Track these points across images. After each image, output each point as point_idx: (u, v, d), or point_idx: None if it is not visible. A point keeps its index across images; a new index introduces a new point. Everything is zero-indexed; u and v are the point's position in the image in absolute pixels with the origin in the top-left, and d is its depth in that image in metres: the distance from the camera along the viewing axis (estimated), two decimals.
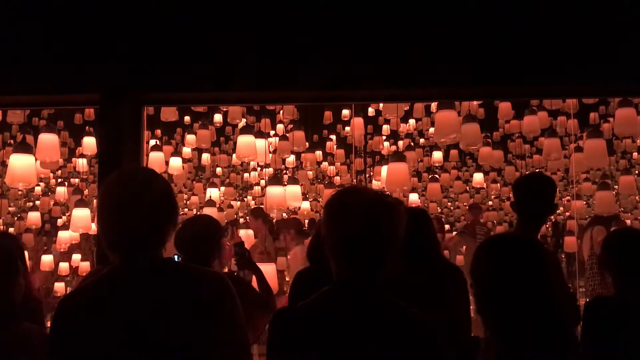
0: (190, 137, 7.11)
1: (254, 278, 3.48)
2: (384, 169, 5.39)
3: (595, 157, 4.32)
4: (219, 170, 9.40)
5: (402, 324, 1.57)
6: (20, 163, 3.44)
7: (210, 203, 5.83)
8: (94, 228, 4.93)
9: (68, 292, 1.93)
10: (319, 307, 1.62)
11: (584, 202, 9.08)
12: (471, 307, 2.85)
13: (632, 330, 2.26)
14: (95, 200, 8.10)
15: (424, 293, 2.28)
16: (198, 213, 7.42)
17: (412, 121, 7.41)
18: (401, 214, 1.66)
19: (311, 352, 1.57)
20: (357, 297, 1.60)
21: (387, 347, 1.54)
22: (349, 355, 1.55)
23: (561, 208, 11.26)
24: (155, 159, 5.13)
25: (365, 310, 1.59)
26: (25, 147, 3.54)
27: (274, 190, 4.28)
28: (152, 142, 6.03)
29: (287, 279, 5.80)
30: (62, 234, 7.04)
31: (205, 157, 7.86)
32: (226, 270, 5.41)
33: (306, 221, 8.47)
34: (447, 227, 11.17)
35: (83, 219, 4.94)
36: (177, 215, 1.75)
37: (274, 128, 6.91)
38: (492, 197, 11.01)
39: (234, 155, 8.02)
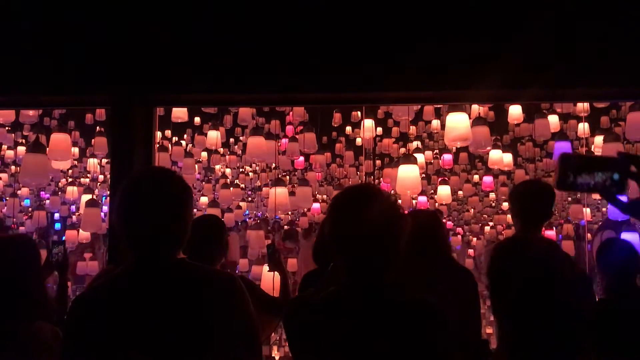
0: (199, 138, 7.15)
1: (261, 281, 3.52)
2: (394, 172, 5.39)
3: None
4: (228, 171, 9.44)
5: (408, 314, 1.58)
6: (33, 163, 3.48)
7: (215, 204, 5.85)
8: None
9: (82, 291, 1.95)
10: (327, 302, 1.64)
11: (589, 207, 9.02)
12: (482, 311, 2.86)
13: (628, 329, 2.35)
14: (107, 200, 8.16)
15: (435, 295, 2.28)
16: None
17: (421, 123, 7.41)
18: (405, 215, 1.68)
19: (321, 343, 1.59)
20: (362, 293, 1.62)
21: (396, 342, 1.55)
22: (356, 346, 1.56)
23: (569, 212, 11.21)
24: (160, 160, 5.14)
25: (373, 307, 1.60)
26: (38, 147, 3.58)
27: (278, 192, 4.27)
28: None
29: None
30: (70, 233, 7.09)
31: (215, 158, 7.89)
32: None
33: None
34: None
35: (94, 218, 4.96)
36: (192, 215, 1.76)
37: (283, 129, 6.93)
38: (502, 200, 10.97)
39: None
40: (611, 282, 2.67)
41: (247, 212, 11.13)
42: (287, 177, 9.50)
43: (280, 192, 4.32)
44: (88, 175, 9.32)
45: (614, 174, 1.22)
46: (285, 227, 10.51)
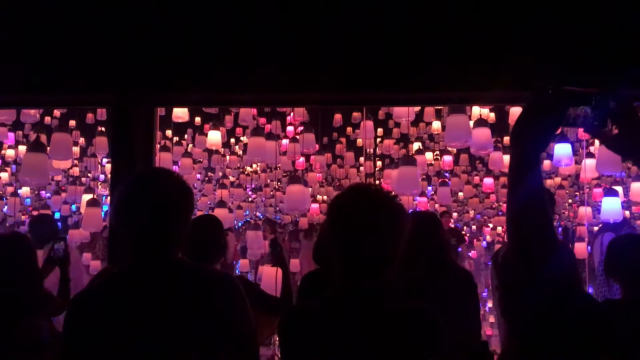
0: (200, 138, 7.16)
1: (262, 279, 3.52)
2: (395, 173, 5.39)
3: (608, 163, 4.27)
4: (228, 170, 9.45)
5: (407, 323, 1.57)
6: (34, 162, 3.48)
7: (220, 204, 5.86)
8: None
9: (81, 290, 1.95)
10: (323, 308, 1.62)
11: (595, 208, 9.03)
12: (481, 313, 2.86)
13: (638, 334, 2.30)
14: (108, 199, 8.15)
15: (435, 297, 2.29)
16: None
17: (422, 125, 7.43)
18: (406, 216, 1.66)
19: (317, 352, 1.58)
20: (360, 299, 1.60)
21: (391, 347, 1.54)
22: (354, 355, 1.55)
23: (571, 214, 11.22)
24: (162, 160, 5.14)
25: (368, 312, 1.58)
26: (39, 146, 3.58)
27: (293, 190, 4.19)
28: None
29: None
30: (71, 233, 7.09)
31: (216, 158, 7.90)
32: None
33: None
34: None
35: (94, 218, 4.97)
36: (191, 216, 1.77)
37: (284, 130, 6.94)
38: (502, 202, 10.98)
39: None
40: (629, 280, 2.55)
41: (247, 213, 11.14)
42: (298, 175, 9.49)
43: (297, 189, 4.22)
44: (89, 174, 9.34)
45: (594, 110, 1.22)
46: (292, 227, 10.56)
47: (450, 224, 8.65)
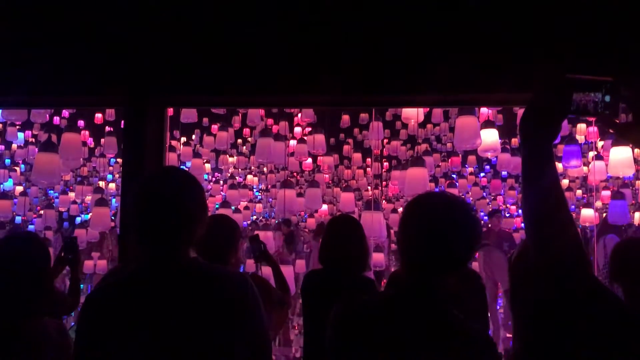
0: (208, 139, 7.18)
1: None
2: (403, 174, 5.39)
3: (620, 165, 4.25)
4: (236, 171, 9.47)
5: (465, 337, 1.54)
6: (45, 162, 3.51)
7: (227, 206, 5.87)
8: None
9: (94, 289, 1.96)
10: (379, 308, 1.61)
11: (601, 211, 9.00)
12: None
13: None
14: (115, 199, 8.17)
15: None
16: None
17: (430, 126, 7.43)
18: (478, 223, 1.62)
19: (371, 349, 1.56)
20: (419, 303, 1.57)
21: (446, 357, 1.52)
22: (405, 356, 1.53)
23: (578, 216, 11.18)
24: (169, 160, 5.17)
25: (426, 317, 1.56)
26: (50, 146, 3.61)
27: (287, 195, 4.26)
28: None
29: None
30: (79, 233, 7.13)
31: (223, 158, 7.93)
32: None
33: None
34: None
35: (103, 217, 4.99)
36: (206, 215, 1.77)
37: (291, 131, 6.95)
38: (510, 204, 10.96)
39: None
40: (632, 285, 2.51)
41: (254, 213, 11.15)
42: (294, 179, 9.52)
43: (289, 194, 4.29)
44: (97, 174, 9.39)
45: (605, 96, 1.20)
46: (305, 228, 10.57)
47: (501, 224, 8.37)
